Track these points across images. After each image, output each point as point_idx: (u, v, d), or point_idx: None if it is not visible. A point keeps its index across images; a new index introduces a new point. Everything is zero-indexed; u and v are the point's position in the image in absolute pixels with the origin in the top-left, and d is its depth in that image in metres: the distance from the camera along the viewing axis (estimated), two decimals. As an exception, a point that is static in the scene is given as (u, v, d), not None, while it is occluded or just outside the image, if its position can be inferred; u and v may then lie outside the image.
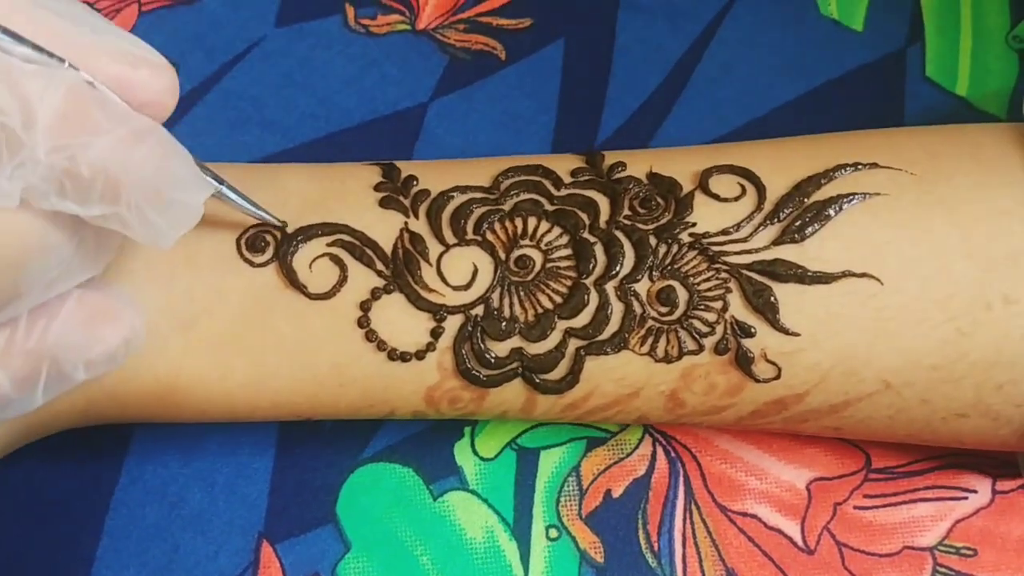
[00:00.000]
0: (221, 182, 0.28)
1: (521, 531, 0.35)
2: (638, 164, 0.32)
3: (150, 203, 0.23)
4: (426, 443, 0.36)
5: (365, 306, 0.30)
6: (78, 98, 0.23)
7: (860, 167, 0.31)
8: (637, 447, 0.36)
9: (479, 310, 0.30)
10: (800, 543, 0.35)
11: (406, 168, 0.32)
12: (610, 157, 0.32)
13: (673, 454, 0.36)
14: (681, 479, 0.36)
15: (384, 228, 0.31)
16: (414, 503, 0.35)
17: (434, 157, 0.41)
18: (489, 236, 0.31)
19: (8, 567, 0.34)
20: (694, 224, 0.30)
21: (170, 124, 0.42)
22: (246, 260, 0.30)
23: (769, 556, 0.35)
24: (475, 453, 0.36)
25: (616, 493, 0.36)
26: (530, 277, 0.30)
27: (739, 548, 0.35)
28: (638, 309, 0.30)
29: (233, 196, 0.29)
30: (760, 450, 0.36)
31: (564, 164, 0.32)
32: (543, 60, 0.44)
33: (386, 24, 0.44)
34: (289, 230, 0.30)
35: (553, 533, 0.35)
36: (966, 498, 0.36)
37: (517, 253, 0.31)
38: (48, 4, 0.23)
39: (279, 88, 0.43)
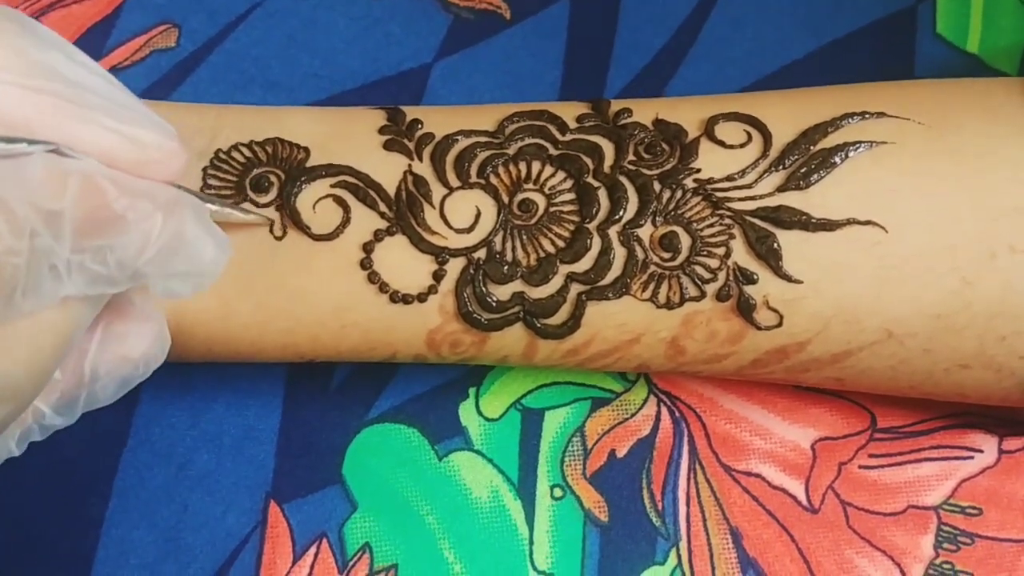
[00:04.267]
0: (223, 205, 0.29)
1: (526, 491, 0.35)
2: (644, 111, 0.32)
3: (173, 278, 0.24)
4: (431, 404, 0.36)
5: (368, 247, 0.30)
6: (98, 195, 0.23)
7: (867, 116, 0.31)
8: (642, 407, 0.36)
9: (481, 253, 0.30)
10: (804, 502, 0.35)
11: (411, 113, 0.32)
12: (616, 104, 0.32)
13: (677, 414, 0.36)
14: (685, 439, 0.36)
15: (388, 170, 0.31)
16: (419, 463, 0.36)
17: (438, 117, 0.41)
18: (493, 179, 0.31)
19: (18, 529, 0.35)
20: (699, 170, 0.30)
21: (173, 87, 0.42)
22: (250, 200, 0.30)
23: (773, 515, 0.35)
24: (480, 414, 0.36)
25: (620, 453, 0.36)
26: (533, 221, 0.30)
27: (743, 507, 0.35)
28: (640, 254, 0.30)
29: (235, 214, 0.29)
30: (765, 410, 0.36)
31: (570, 110, 0.32)
32: (548, 19, 0.43)
33: (390, -16, 0.44)
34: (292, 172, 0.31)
35: (558, 492, 0.35)
36: (972, 457, 0.35)
37: (520, 197, 0.30)
38: (56, 89, 0.23)
39: (282, 48, 0.42)
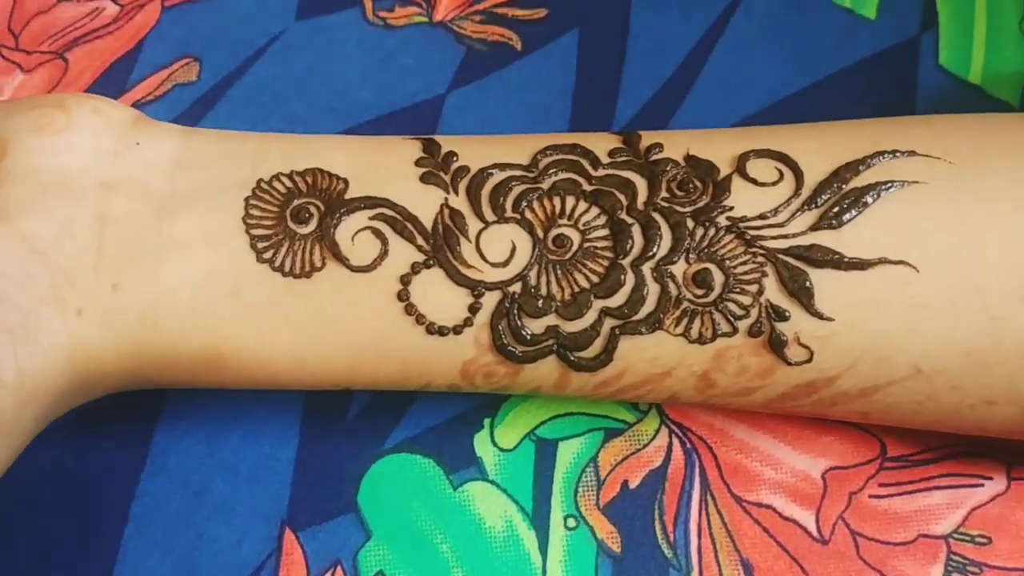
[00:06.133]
0: None
1: (540, 521, 0.35)
2: (675, 146, 0.32)
3: None
4: (446, 434, 0.36)
5: (405, 280, 0.30)
6: None
7: (898, 154, 0.31)
8: (654, 438, 0.37)
9: (516, 287, 0.30)
10: (815, 533, 0.35)
11: (446, 144, 0.32)
12: (647, 138, 0.32)
13: (689, 445, 0.37)
14: (697, 470, 0.36)
15: (425, 203, 0.31)
16: (434, 493, 0.36)
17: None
18: (528, 214, 0.31)
19: (35, 553, 0.35)
20: (731, 208, 0.30)
21: (195, 122, 0.42)
22: (290, 231, 0.30)
23: (784, 547, 0.35)
24: (494, 444, 0.36)
25: (633, 484, 0.36)
26: (567, 256, 0.31)
27: (754, 539, 0.35)
28: (674, 291, 0.30)
29: None
30: (775, 439, 0.37)
31: (602, 143, 0.32)
32: (558, 50, 0.44)
33: (403, 16, 0.44)
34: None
35: (571, 523, 0.35)
36: (982, 485, 0.36)
37: (555, 232, 0.31)
38: None
39: (300, 82, 0.43)
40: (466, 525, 0.35)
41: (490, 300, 0.30)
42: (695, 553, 0.35)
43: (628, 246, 0.30)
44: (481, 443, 0.37)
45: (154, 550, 0.35)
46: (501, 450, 0.36)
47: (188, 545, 0.35)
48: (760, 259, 0.30)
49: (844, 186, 0.30)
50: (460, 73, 0.43)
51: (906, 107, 0.42)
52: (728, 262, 0.30)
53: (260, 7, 0.44)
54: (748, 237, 0.30)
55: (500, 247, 0.31)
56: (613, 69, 0.44)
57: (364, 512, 0.35)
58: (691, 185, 0.31)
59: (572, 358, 0.31)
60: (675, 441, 0.36)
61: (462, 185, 0.31)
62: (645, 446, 0.36)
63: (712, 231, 0.30)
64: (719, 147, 0.32)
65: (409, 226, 0.30)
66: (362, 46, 0.44)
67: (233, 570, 0.35)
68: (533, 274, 0.30)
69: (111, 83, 0.44)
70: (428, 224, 0.31)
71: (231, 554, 0.35)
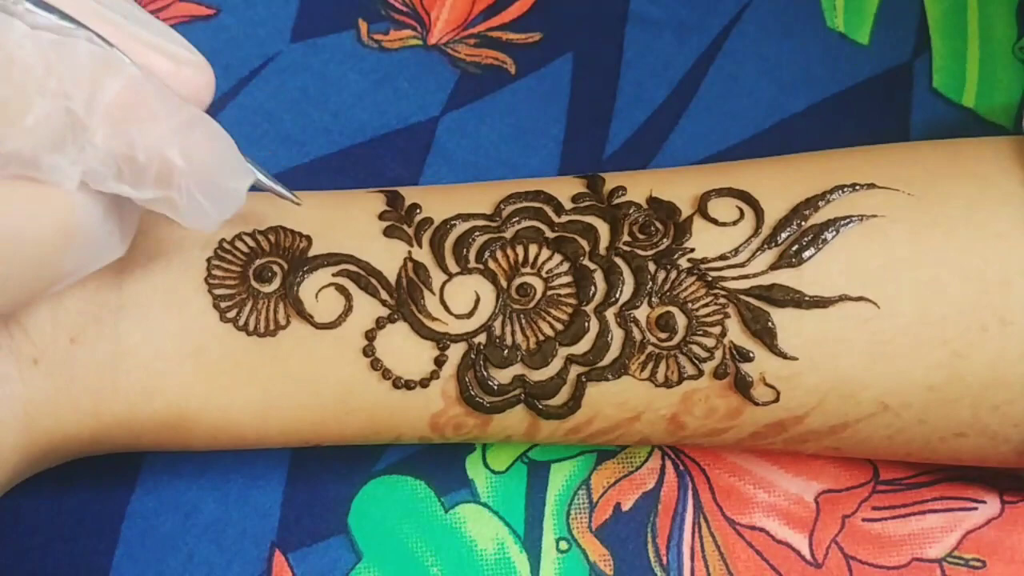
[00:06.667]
0: (250, 162, 0.29)
1: (532, 543, 0.35)
2: (638, 187, 0.32)
3: (200, 188, 0.25)
4: (438, 456, 0.36)
5: (370, 335, 0.30)
6: (136, 86, 0.24)
7: (857, 188, 0.31)
8: (646, 461, 0.37)
9: (482, 338, 0.30)
10: (808, 557, 0.35)
11: (409, 195, 0.33)
12: (611, 180, 0.33)
13: (682, 467, 0.36)
14: (690, 492, 0.36)
15: (388, 257, 0.31)
16: (426, 515, 0.36)
17: (445, 170, 0.41)
18: (491, 264, 0.31)
19: (26, 575, 0.35)
20: (692, 249, 0.31)
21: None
22: (253, 290, 0.31)
23: (777, 570, 0.35)
24: (486, 466, 0.37)
25: (625, 506, 0.36)
26: (531, 305, 0.31)
27: (747, 562, 0.35)
28: (638, 335, 0.30)
29: (265, 180, 0.29)
30: (768, 463, 0.37)
31: (565, 189, 0.33)
32: (552, 74, 0.44)
33: (398, 39, 0.44)
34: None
35: (563, 546, 0.35)
36: (976, 508, 0.36)
37: (518, 281, 0.31)
38: (102, 0, 0.25)
39: (294, 103, 0.43)
40: (457, 548, 0.35)
41: (456, 352, 0.30)
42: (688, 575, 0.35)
43: (591, 292, 0.31)
44: (473, 465, 0.37)
45: (145, 572, 0.35)
46: (493, 472, 0.36)
47: (178, 566, 0.35)
48: (722, 300, 0.30)
49: (803, 223, 0.30)
50: (454, 96, 0.43)
51: (900, 131, 0.42)
52: (691, 304, 0.30)
53: (255, 28, 0.44)
54: (710, 279, 0.30)
55: (464, 298, 0.31)
56: (607, 93, 0.44)
57: (355, 534, 0.36)
58: (653, 227, 0.31)
59: (540, 406, 0.31)
60: (668, 463, 0.36)
61: (425, 237, 0.31)
62: (638, 468, 0.36)
63: (674, 274, 0.30)
64: (681, 186, 0.32)
65: (373, 281, 0.31)
66: (356, 68, 0.44)
67: (223, 592, 0.35)
68: (498, 324, 0.31)
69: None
70: (392, 278, 0.31)
71: (221, 575, 0.35)
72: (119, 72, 0.24)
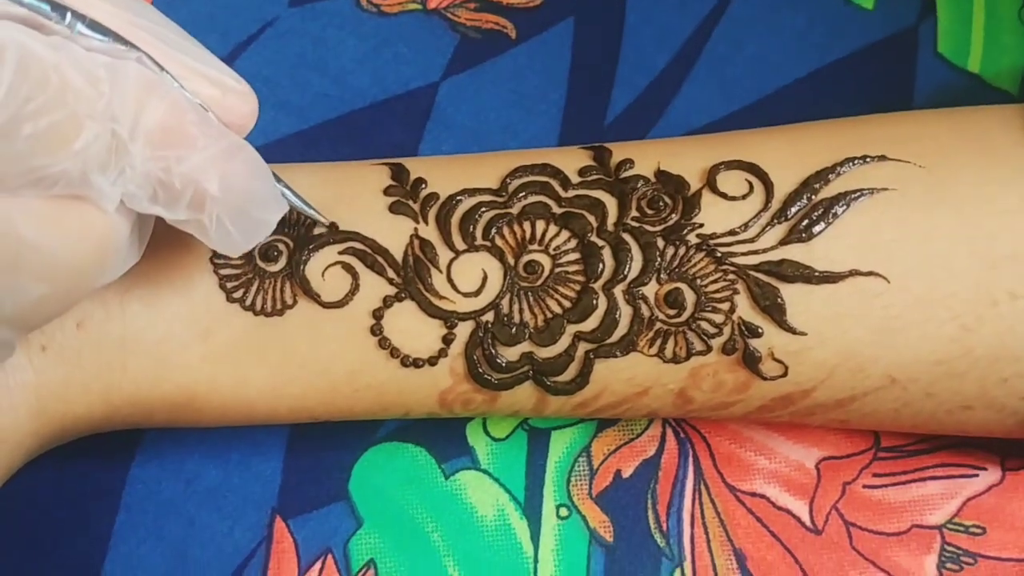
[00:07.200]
0: (285, 187, 0.29)
1: (532, 510, 0.36)
2: (646, 159, 0.32)
3: (231, 217, 0.25)
4: (439, 424, 0.36)
5: (377, 314, 0.30)
6: (178, 112, 0.24)
7: (868, 160, 0.31)
8: (647, 428, 0.37)
9: (489, 316, 0.30)
10: (808, 523, 0.35)
11: (414, 168, 0.32)
12: (618, 152, 0.32)
13: (683, 435, 0.36)
14: (690, 459, 0.36)
15: (394, 235, 0.31)
16: (426, 482, 0.36)
17: (445, 136, 0.41)
18: (498, 241, 0.31)
19: (27, 543, 0.35)
20: (701, 225, 0.30)
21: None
22: (259, 268, 0.30)
23: (777, 537, 0.35)
24: (487, 433, 0.37)
25: (626, 473, 0.36)
26: (539, 282, 0.31)
27: (747, 529, 0.35)
28: (646, 312, 0.30)
29: (293, 199, 0.30)
30: (769, 430, 0.37)
31: (572, 162, 0.32)
32: (553, 39, 0.44)
33: (397, 3, 0.44)
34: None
35: (564, 512, 0.36)
36: (977, 475, 0.36)
37: (526, 258, 0.31)
38: (152, 28, 0.25)
39: (293, 69, 0.43)
40: (458, 514, 0.35)
41: (463, 330, 0.30)
42: (687, 542, 0.35)
43: (599, 269, 0.30)
44: (474, 432, 0.37)
45: (146, 538, 0.35)
46: (494, 439, 0.36)
47: (180, 532, 0.36)
48: (731, 276, 0.30)
49: (814, 196, 0.30)
50: (454, 61, 0.43)
51: (904, 97, 0.42)
52: (699, 281, 0.30)
53: (253, -7, 0.44)
54: (719, 255, 0.30)
55: (471, 276, 0.31)
56: (608, 58, 0.43)
57: (355, 500, 0.36)
58: (661, 203, 0.31)
59: (548, 383, 0.31)
60: (669, 431, 0.37)
61: (431, 213, 0.31)
62: (639, 436, 0.36)
63: (682, 250, 0.30)
64: (689, 159, 0.32)
65: (379, 259, 0.31)
66: (356, 33, 0.43)
67: (224, 557, 0.35)
68: (505, 302, 0.30)
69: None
70: (398, 256, 0.31)
71: (222, 541, 0.35)
72: (163, 96, 0.24)
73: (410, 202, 0.31)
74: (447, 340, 0.30)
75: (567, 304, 0.30)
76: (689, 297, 0.30)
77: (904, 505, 0.35)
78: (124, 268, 0.26)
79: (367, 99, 0.42)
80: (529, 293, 0.31)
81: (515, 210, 0.31)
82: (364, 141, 0.41)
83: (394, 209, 0.31)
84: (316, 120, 0.42)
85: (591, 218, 0.31)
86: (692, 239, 0.30)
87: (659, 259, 0.30)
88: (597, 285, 0.30)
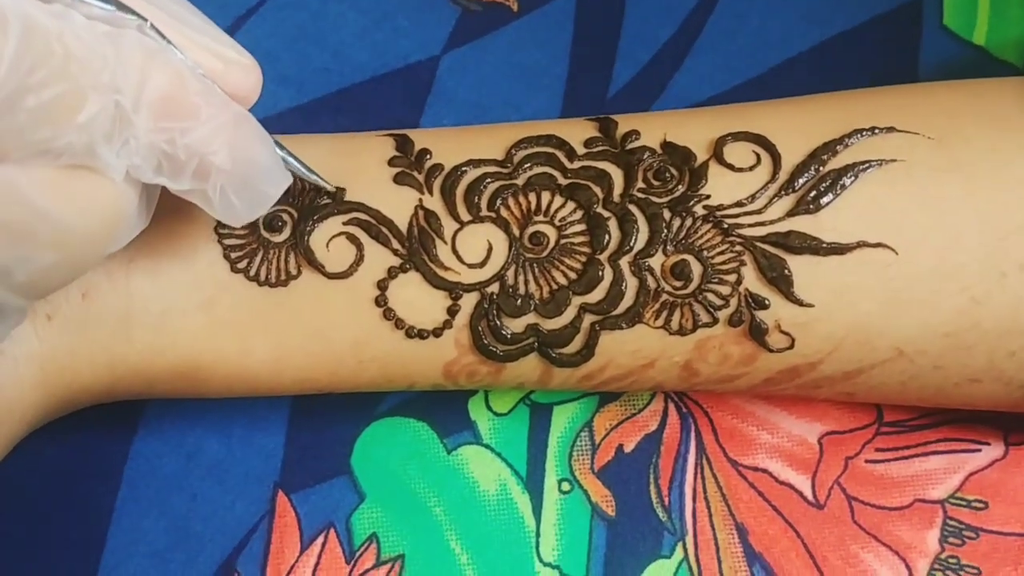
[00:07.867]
0: (288, 154, 0.29)
1: (534, 484, 0.36)
2: (652, 131, 0.32)
3: (235, 189, 0.25)
4: (441, 399, 0.36)
5: (382, 285, 0.30)
6: (181, 82, 0.24)
7: (877, 131, 0.31)
8: (649, 403, 0.37)
9: (494, 287, 0.30)
10: (810, 498, 0.35)
11: (419, 139, 0.32)
12: (624, 123, 0.32)
13: (685, 409, 0.36)
14: (692, 434, 0.36)
15: (399, 205, 0.31)
16: (428, 456, 0.36)
17: (447, 110, 0.41)
18: (503, 212, 0.31)
19: (29, 517, 0.35)
20: (708, 196, 0.30)
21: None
22: (263, 239, 0.30)
23: (779, 511, 0.35)
24: (489, 408, 0.37)
25: (628, 448, 0.36)
26: (544, 254, 0.30)
27: (749, 503, 0.35)
28: (652, 284, 0.30)
29: (296, 166, 0.29)
30: (771, 404, 0.37)
31: (577, 133, 0.32)
32: (555, 12, 0.43)
33: (397, -24, 0.44)
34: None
35: (565, 487, 0.36)
36: (979, 450, 0.36)
37: (531, 230, 0.31)
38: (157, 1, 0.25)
39: (292, 42, 0.42)
40: (460, 489, 0.36)
41: (468, 301, 0.30)
42: (689, 516, 0.35)
43: (605, 240, 0.30)
44: (476, 407, 0.37)
45: (148, 512, 0.35)
46: (496, 414, 0.36)
47: (182, 507, 0.36)
48: (738, 248, 0.30)
49: (821, 168, 0.30)
50: (455, 34, 0.43)
51: (909, 70, 0.42)
52: (706, 252, 0.30)
53: (252, -35, 0.44)
54: (725, 226, 0.30)
55: (476, 247, 0.31)
56: (610, 31, 0.43)
57: (357, 475, 0.36)
58: (668, 174, 0.31)
59: (553, 355, 0.31)
60: (671, 405, 0.36)
61: (436, 184, 0.31)
62: (641, 411, 0.36)
63: (689, 221, 0.30)
64: (696, 130, 0.32)
65: (384, 230, 0.30)
66: (356, 6, 0.43)
67: (227, 531, 0.35)
68: (510, 273, 0.30)
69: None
70: (403, 226, 0.31)
71: (225, 515, 0.35)
72: (166, 65, 0.24)
73: (415, 173, 0.31)
74: (452, 311, 0.30)
75: (573, 276, 0.30)
76: (695, 269, 0.30)
77: (907, 480, 0.35)
78: (133, 235, 0.26)
79: (367, 73, 0.42)
80: (534, 264, 0.30)
81: (520, 181, 0.31)
82: (364, 115, 0.41)
83: (399, 180, 0.31)
84: (316, 94, 0.41)
85: (597, 189, 0.31)
86: (699, 210, 0.30)
87: (665, 230, 0.30)
88: (603, 257, 0.30)
